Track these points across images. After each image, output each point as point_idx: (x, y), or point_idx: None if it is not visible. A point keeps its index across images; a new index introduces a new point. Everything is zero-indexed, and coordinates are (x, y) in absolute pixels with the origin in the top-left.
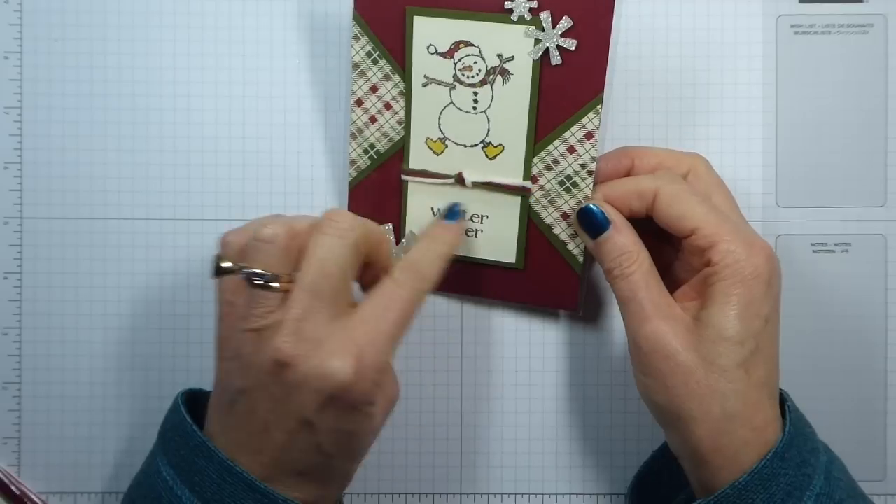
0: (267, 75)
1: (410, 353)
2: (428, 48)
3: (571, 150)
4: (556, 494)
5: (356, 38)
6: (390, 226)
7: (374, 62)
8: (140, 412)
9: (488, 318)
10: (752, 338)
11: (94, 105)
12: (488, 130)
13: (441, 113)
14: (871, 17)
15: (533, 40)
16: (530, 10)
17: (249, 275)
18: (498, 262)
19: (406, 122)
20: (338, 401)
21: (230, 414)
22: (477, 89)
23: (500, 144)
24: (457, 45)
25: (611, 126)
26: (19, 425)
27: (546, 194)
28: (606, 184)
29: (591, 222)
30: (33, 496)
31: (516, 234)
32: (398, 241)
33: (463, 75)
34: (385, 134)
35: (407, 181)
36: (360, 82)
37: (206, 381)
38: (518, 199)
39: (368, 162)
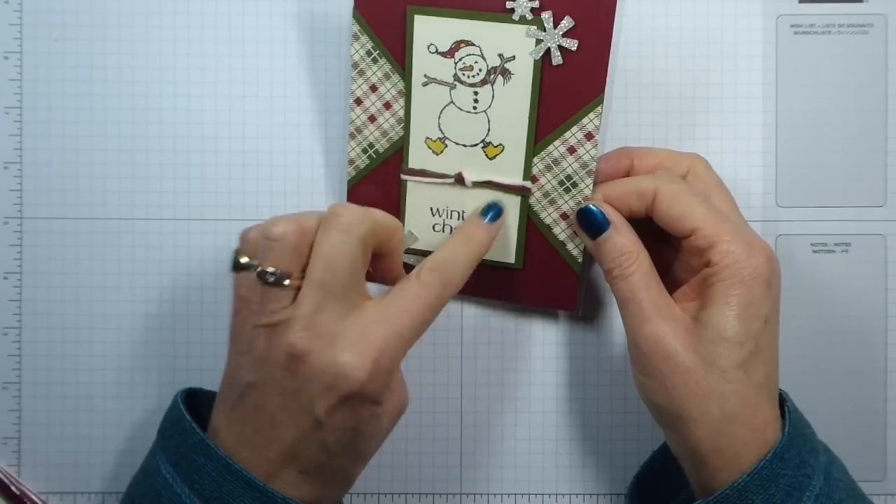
0: (267, 75)
1: (411, 352)
2: (428, 47)
3: (572, 150)
4: (556, 494)
5: (356, 37)
6: (408, 231)
7: (374, 61)
8: (140, 412)
9: (488, 318)
10: (751, 338)
11: (94, 105)
12: (488, 130)
13: (441, 112)
14: (871, 17)
15: (534, 40)
16: (532, 9)
17: (261, 272)
18: (497, 262)
19: (406, 121)
20: (347, 398)
21: (237, 408)
22: (477, 89)
23: (501, 144)
24: (457, 45)
25: (611, 126)
26: (19, 425)
27: (546, 194)
28: (606, 184)
29: (590, 222)
30: (33, 496)
31: (516, 235)
32: None
33: (463, 75)
34: (384, 133)
35: (406, 181)
36: (360, 81)
37: (206, 381)
38: (518, 200)
39: (367, 161)
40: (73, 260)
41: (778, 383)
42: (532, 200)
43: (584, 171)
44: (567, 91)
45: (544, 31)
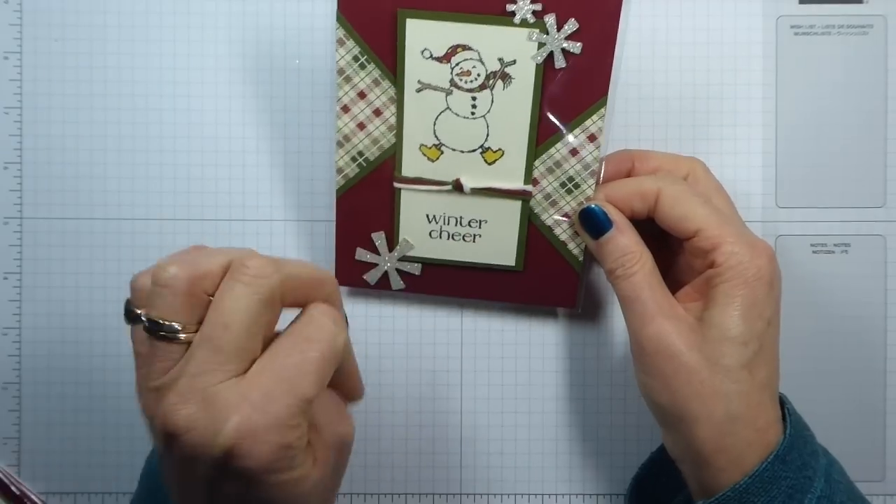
0: (267, 75)
1: (411, 353)
2: (422, 52)
3: (574, 152)
4: (556, 494)
5: (341, 42)
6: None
7: (362, 67)
8: (140, 412)
9: (488, 318)
10: (755, 338)
11: (94, 105)
12: (487, 135)
13: (436, 119)
14: (870, 18)
15: (536, 44)
16: (534, 12)
17: (149, 324)
18: (497, 265)
19: (398, 128)
20: (234, 472)
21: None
22: (475, 94)
23: (500, 149)
24: (454, 49)
25: (612, 127)
26: (19, 425)
27: (547, 196)
28: (608, 184)
29: (593, 223)
30: (33, 496)
31: (516, 238)
32: (391, 249)
33: (460, 80)
34: (375, 141)
35: (400, 189)
36: (347, 88)
37: None
38: (518, 203)
39: (357, 170)
40: (73, 260)
41: (779, 385)
42: (532, 202)
43: (586, 173)
44: (569, 94)
45: (547, 34)
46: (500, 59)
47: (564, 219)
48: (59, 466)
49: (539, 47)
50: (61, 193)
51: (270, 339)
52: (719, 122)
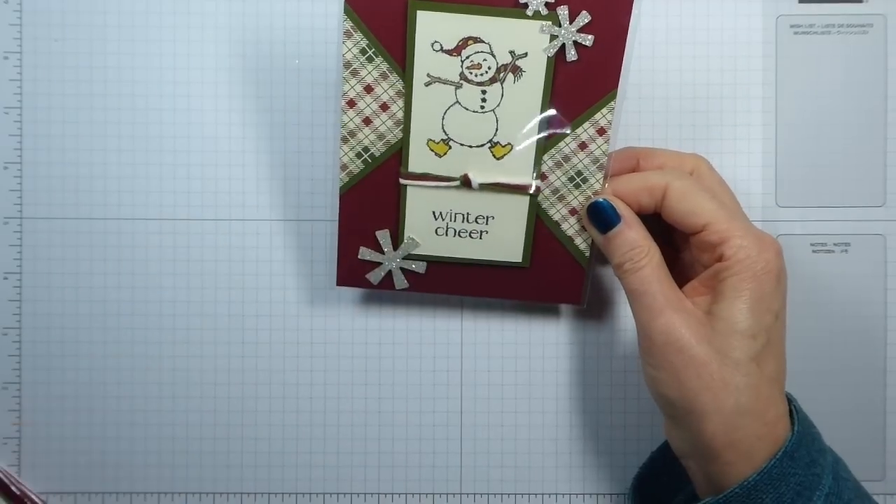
0: (267, 75)
1: (411, 353)
2: (432, 45)
3: (583, 146)
4: (556, 494)
5: (348, 35)
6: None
7: (369, 60)
8: (140, 412)
9: (488, 317)
10: (763, 332)
11: (94, 105)
12: (496, 130)
13: (445, 113)
14: (870, 17)
15: (548, 36)
16: (546, 4)
17: None
18: (504, 262)
19: (405, 123)
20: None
21: None
22: (486, 88)
23: (509, 144)
24: (465, 42)
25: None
26: (19, 425)
27: (555, 191)
28: (615, 179)
29: (601, 217)
30: (33, 496)
31: (523, 234)
32: (396, 247)
33: (471, 73)
34: (381, 136)
35: (406, 185)
36: (353, 82)
37: (205, 381)
38: (526, 199)
39: (362, 166)
40: (73, 260)
41: (785, 379)
42: (540, 198)
43: (594, 167)
44: (580, 87)
45: (559, 26)
46: (512, 52)
47: (571, 215)
48: (59, 466)
49: (551, 40)
50: (61, 193)
51: None
52: (719, 122)
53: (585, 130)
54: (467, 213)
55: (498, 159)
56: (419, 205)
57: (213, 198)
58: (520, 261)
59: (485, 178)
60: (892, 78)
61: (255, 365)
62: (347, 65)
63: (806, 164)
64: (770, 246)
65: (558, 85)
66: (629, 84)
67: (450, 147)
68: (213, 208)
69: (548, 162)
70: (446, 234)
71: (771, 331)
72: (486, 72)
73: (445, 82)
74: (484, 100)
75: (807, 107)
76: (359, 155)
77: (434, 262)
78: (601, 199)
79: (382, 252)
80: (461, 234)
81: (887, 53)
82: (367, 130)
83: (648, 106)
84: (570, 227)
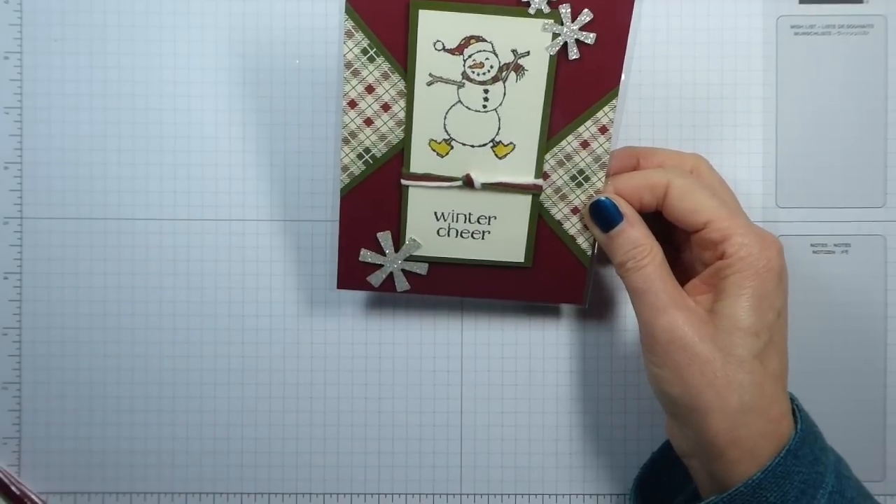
0: (267, 75)
1: (411, 353)
2: (434, 44)
3: (585, 144)
4: (556, 494)
5: (349, 34)
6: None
7: (371, 60)
8: (140, 412)
9: (488, 317)
10: (766, 329)
11: (94, 105)
12: (498, 129)
13: (447, 113)
14: (871, 18)
15: (551, 34)
16: (549, 3)
17: None
18: (506, 262)
19: (407, 123)
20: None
21: None
22: (488, 87)
23: (511, 143)
24: (467, 41)
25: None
26: (19, 425)
27: (557, 190)
28: (617, 177)
29: (603, 216)
30: (33, 496)
31: (526, 234)
32: (397, 249)
33: (473, 72)
34: (382, 137)
35: (408, 186)
36: (354, 82)
37: (205, 381)
38: (528, 198)
39: (363, 167)
40: (73, 260)
41: (787, 377)
42: (542, 197)
43: (596, 165)
44: (582, 85)
45: (562, 24)
46: (514, 51)
47: (573, 214)
48: (59, 466)
49: (553, 38)
50: (61, 193)
51: None
52: (719, 122)
53: (587, 129)
54: (469, 214)
55: (500, 159)
56: (421, 205)
57: (213, 198)
58: (522, 261)
59: (487, 178)
60: (892, 78)
61: (256, 365)
62: (349, 65)
63: (806, 165)
64: (771, 244)
65: (560, 83)
66: (630, 84)
67: (452, 147)
68: (213, 208)
69: (550, 161)
70: (448, 235)
71: (773, 328)
72: (489, 71)
73: (447, 82)
74: (486, 99)
75: (807, 107)
76: (360, 156)
77: (435, 264)
78: (603, 198)
79: (384, 254)
80: (463, 235)
81: (887, 54)
82: (368, 131)
83: (648, 106)
84: (572, 226)
